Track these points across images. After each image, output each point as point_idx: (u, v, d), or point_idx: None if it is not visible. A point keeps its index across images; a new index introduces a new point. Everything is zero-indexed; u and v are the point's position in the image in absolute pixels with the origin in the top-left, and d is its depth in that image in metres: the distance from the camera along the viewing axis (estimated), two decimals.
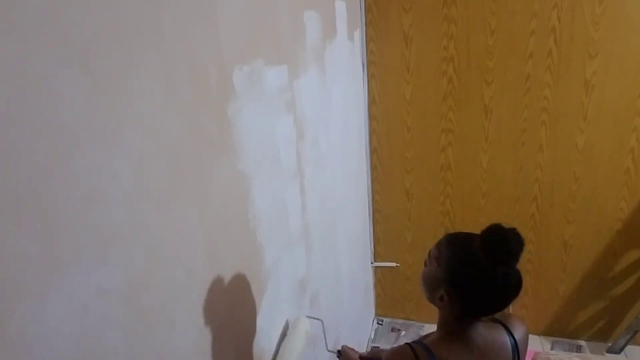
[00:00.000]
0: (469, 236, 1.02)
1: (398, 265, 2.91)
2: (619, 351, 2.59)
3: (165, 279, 0.87)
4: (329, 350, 1.67)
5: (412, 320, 3.04)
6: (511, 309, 2.42)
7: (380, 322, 3.08)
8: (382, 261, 2.95)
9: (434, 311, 1.08)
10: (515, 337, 1.05)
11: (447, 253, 1.02)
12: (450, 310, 1.03)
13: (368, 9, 2.41)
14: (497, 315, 1.07)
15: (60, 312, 0.63)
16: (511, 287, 0.96)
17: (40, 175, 0.60)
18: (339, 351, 1.60)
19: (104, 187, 0.71)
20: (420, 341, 1.06)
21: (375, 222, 2.87)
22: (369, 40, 2.47)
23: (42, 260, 0.61)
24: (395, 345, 1.03)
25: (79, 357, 0.67)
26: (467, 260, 0.98)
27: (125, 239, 0.76)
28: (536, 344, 2.77)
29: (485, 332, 1.03)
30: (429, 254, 1.08)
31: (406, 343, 1.05)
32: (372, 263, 2.95)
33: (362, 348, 2.81)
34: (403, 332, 2.96)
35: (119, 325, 0.75)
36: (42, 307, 0.61)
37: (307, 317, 1.52)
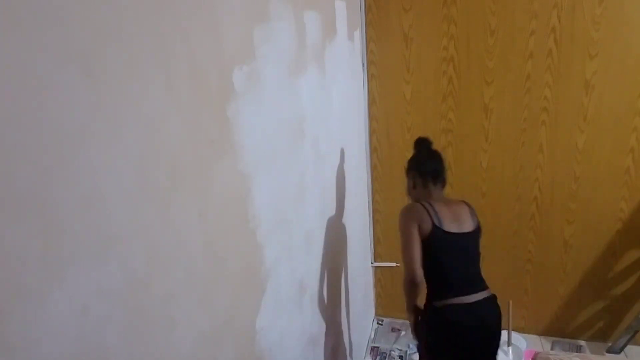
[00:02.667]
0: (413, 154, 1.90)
1: (398, 265, 2.91)
2: (619, 351, 2.59)
3: (165, 279, 0.87)
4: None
5: None
6: (511, 310, 2.42)
7: (380, 322, 3.08)
8: (382, 261, 2.95)
9: None
10: (472, 206, 1.82)
11: (407, 164, 1.88)
12: (419, 185, 1.80)
13: (368, 9, 2.41)
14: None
15: (60, 312, 0.63)
16: (432, 154, 1.84)
17: (40, 175, 0.60)
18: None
19: (104, 187, 0.71)
20: (419, 200, 1.76)
21: (375, 222, 2.87)
22: (369, 40, 2.47)
23: (42, 260, 0.61)
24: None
25: (79, 357, 0.67)
26: (412, 157, 1.88)
27: (125, 239, 0.76)
28: (536, 344, 2.77)
29: (453, 200, 1.82)
30: (407, 178, 1.88)
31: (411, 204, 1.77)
32: (372, 263, 2.95)
33: (362, 348, 2.81)
34: (403, 332, 2.96)
35: (119, 325, 0.75)
36: (42, 307, 0.61)
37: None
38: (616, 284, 2.60)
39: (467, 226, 1.70)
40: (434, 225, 1.64)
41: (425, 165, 1.80)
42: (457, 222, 1.69)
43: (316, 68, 1.68)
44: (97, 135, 0.69)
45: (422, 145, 1.88)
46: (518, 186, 2.54)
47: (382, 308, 3.10)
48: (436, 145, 2.57)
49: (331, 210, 1.98)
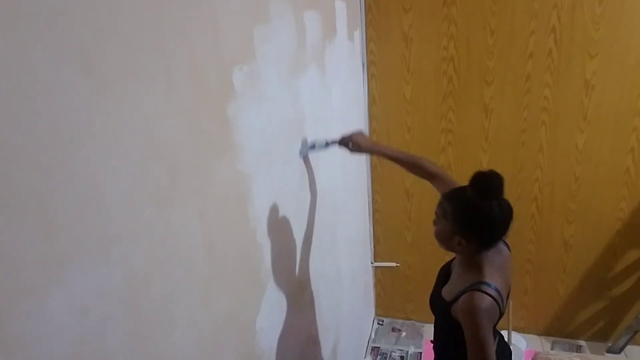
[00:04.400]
0: (460, 188, 1.30)
1: (398, 265, 2.91)
2: (619, 351, 2.59)
3: (165, 279, 0.87)
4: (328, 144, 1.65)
5: (412, 320, 3.04)
6: (511, 310, 2.42)
7: (380, 322, 3.08)
8: (382, 261, 2.95)
9: None
10: (506, 242, 1.42)
11: (451, 208, 1.28)
12: (469, 250, 1.29)
13: (368, 9, 2.41)
14: None
15: (60, 312, 0.63)
16: (507, 214, 1.23)
17: (40, 175, 0.60)
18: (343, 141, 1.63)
19: (104, 187, 0.71)
20: (473, 282, 1.27)
21: (375, 222, 2.87)
22: (369, 40, 2.47)
23: (42, 260, 0.61)
24: (465, 297, 1.27)
25: (79, 357, 0.67)
26: (468, 207, 1.24)
27: (125, 239, 0.76)
28: (536, 344, 2.77)
29: (496, 251, 1.34)
30: (436, 214, 1.34)
31: (473, 290, 1.25)
32: (372, 263, 2.95)
33: (362, 348, 2.81)
34: (403, 333, 2.96)
35: (119, 325, 0.75)
36: (42, 307, 0.61)
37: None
38: (616, 284, 2.60)
39: (510, 281, 1.39)
40: (500, 315, 1.29)
41: (494, 233, 1.25)
42: (507, 286, 1.35)
43: (316, 68, 1.68)
44: (97, 135, 0.69)
45: (494, 191, 1.21)
46: (518, 186, 2.54)
47: (382, 308, 3.10)
48: (436, 145, 2.60)
49: (331, 210, 1.98)
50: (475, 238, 1.25)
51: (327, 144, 1.64)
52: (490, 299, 1.22)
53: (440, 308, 1.38)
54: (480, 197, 1.20)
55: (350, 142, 1.62)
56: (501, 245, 1.38)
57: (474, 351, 1.21)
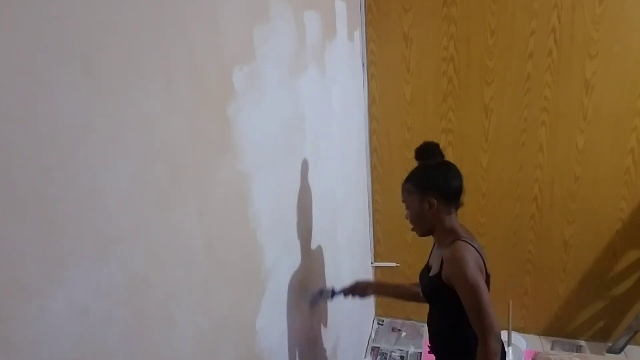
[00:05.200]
0: (414, 169, 1.48)
1: (398, 265, 2.91)
2: (619, 351, 2.59)
3: (165, 279, 0.87)
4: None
5: (412, 320, 3.04)
6: (511, 310, 2.42)
7: (380, 322, 3.08)
8: (382, 261, 2.95)
9: None
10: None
11: (408, 183, 1.46)
12: (439, 212, 1.40)
13: (368, 9, 2.41)
14: None
15: (60, 312, 0.63)
16: (451, 165, 1.43)
17: (40, 175, 0.60)
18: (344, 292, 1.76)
19: (104, 187, 0.71)
20: (457, 239, 1.36)
21: (375, 222, 2.87)
22: (369, 40, 2.47)
23: (42, 260, 0.61)
24: (449, 249, 1.36)
25: (79, 357, 0.67)
26: (422, 171, 1.44)
27: (125, 239, 0.76)
28: (536, 344, 2.77)
29: (462, 224, 1.47)
30: (403, 202, 1.48)
31: (455, 241, 1.35)
32: (372, 263, 2.95)
33: (362, 348, 2.81)
34: (403, 333, 2.96)
35: (119, 325, 0.75)
36: (42, 307, 0.61)
37: None
38: (616, 284, 2.60)
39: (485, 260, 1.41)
40: (486, 273, 1.35)
41: (452, 184, 1.40)
42: (483, 258, 1.39)
43: (316, 68, 1.68)
44: (97, 135, 0.69)
45: (434, 154, 1.44)
46: (518, 186, 2.54)
47: (382, 308, 3.10)
48: None
49: (331, 210, 1.98)
50: (439, 192, 1.39)
51: (333, 294, 1.74)
52: (471, 247, 1.32)
53: (433, 285, 1.42)
54: (423, 159, 1.45)
55: (357, 290, 1.72)
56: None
57: (470, 299, 1.26)
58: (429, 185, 1.40)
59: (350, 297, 1.73)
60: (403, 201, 1.47)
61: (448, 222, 1.41)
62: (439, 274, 1.37)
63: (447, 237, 1.40)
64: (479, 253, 1.34)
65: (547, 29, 2.22)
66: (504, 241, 2.67)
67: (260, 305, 1.29)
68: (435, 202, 1.39)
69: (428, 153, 1.44)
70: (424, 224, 1.44)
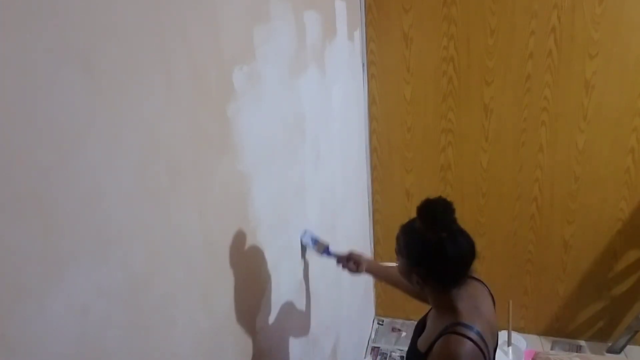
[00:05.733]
0: (412, 219, 1.12)
1: (398, 265, 2.91)
2: (619, 351, 2.59)
3: (165, 279, 0.87)
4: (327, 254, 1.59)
5: (412, 320, 3.04)
6: (511, 310, 2.42)
7: (380, 322, 3.08)
8: (382, 261, 2.94)
9: None
10: (474, 275, 1.20)
11: (403, 242, 1.14)
12: (432, 289, 1.13)
13: (368, 9, 2.41)
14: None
15: (60, 312, 0.63)
16: (464, 249, 1.07)
17: (40, 175, 0.60)
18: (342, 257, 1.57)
19: (104, 187, 0.71)
20: (447, 325, 1.09)
21: (375, 222, 2.87)
22: (369, 40, 2.47)
23: (42, 260, 0.61)
24: (440, 343, 1.08)
25: (79, 357, 0.67)
26: (417, 241, 1.09)
27: (125, 239, 0.76)
28: (536, 344, 2.77)
29: (467, 288, 1.14)
30: (395, 250, 1.18)
31: (448, 334, 1.07)
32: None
33: (362, 348, 2.81)
34: (403, 333, 2.96)
35: (119, 325, 0.75)
36: (42, 307, 0.61)
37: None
38: (616, 284, 2.60)
39: (495, 324, 1.18)
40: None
41: (448, 267, 1.09)
42: (492, 330, 1.15)
43: (316, 68, 1.68)
44: (97, 135, 0.69)
45: (442, 219, 1.07)
46: (518, 186, 2.54)
47: (382, 308, 3.10)
48: (436, 145, 2.60)
49: (331, 210, 1.98)
50: (431, 276, 1.10)
51: (325, 251, 1.58)
52: (470, 343, 1.03)
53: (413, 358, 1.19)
54: (427, 229, 1.06)
55: (348, 262, 1.54)
56: (476, 283, 1.19)
57: None
58: (420, 262, 1.11)
59: (340, 267, 1.56)
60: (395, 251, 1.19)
61: (444, 300, 1.12)
62: (426, 356, 1.11)
63: (444, 314, 1.12)
64: (479, 344, 1.04)
65: (547, 29, 2.22)
66: (504, 241, 2.66)
67: (260, 305, 1.30)
68: (422, 282, 1.11)
69: (434, 218, 1.07)
70: (413, 290, 1.21)
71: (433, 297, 1.16)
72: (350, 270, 1.54)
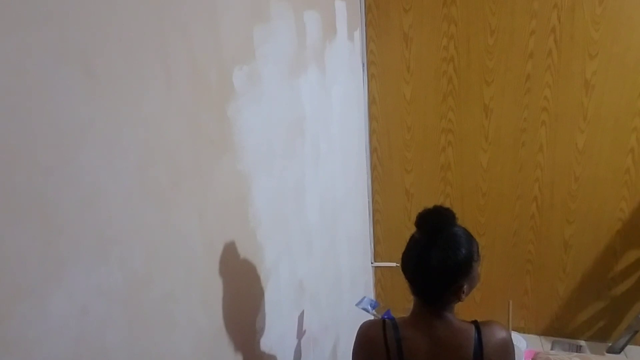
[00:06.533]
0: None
1: (398, 265, 2.90)
2: (619, 351, 2.59)
3: (165, 279, 0.87)
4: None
5: None
6: (511, 310, 2.42)
7: None
8: (382, 261, 2.95)
9: None
10: (484, 340, 1.04)
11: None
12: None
13: (368, 9, 2.41)
14: (479, 320, 1.10)
15: (60, 312, 0.63)
16: (412, 257, 1.07)
17: (40, 175, 0.60)
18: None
19: (104, 187, 0.71)
20: (393, 317, 1.13)
21: (375, 222, 2.86)
22: (369, 40, 2.47)
23: (42, 260, 0.61)
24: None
25: (79, 357, 0.67)
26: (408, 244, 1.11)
27: (125, 239, 0.76)
28: (536, 344, 2.77)
29: (451, 327, 1.06)
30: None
31: (382, 317, 1.11)
32: (372, 263, 2.95)
33: None
34: None
35: (119, 325, 0.75)
36: (42, 307, 0.61)
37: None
38: (616, 284, 2.60)
39: None
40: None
41: (406, 269, 1.11)
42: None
43: (316, 68, 1.68)
44: (97, 135, 0.69)
45: (436, 226, 1.06)
46: (518, 186, 2.54)
47: (382, 308, 3.10)
48: (436, 145, 2.60)
49: (331, 210, 1.98)
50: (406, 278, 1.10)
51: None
52: (382, 336, 1.06)
53: None
54: (418, 231, 1.08)
55: None
56: (458, 337, 1.05)
57: None
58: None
59: None
60: None
61: (414, 303, 1.12)
62: None
63: (411, 312, 1.13)
64: (397, 349, 1.04)
65: (547, 29, 2.22)
66: (504, 241, 2.66)
67: (260, 305, 1.29)
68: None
69: (428, 225, 1.07)
70: None
71: (414, 304, 1.13)
72: None
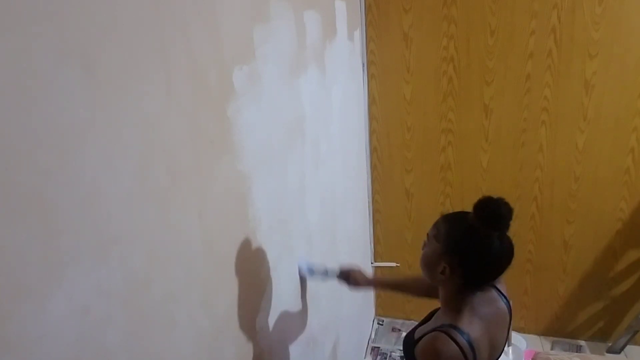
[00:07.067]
0: (462, 212, 1.13)
1: (398, 265, 2.91)
2: (619, 351, 2.59)
3: (165, 279, 0.87)
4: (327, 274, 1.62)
5: (412, 320, 3.04)
6: (511, 306, 2.42)
7: (380, 322, 3.08)
8: (382, 261, 2.95)
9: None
10: (504, 294, 1.19)
11: (445, 228, 1.12)
12: (452, 284, 1.12)
13: (368, 9, 2.41)
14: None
15: (60, 312, 0.63)
16: (506, 251, 1.08)
17: (40, 175, 0.60)
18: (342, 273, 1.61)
19: (104, 187, 0.71)
20: (444, 324, 1.11)
21: (375, 222, 2.87)
22: (369, 40, 2.47)
23: (42, 260, 0.61)
24: (428, 337, 1.11)
25: (79, 357, 0.67)
26: (465, 230, 1.09)
27: (125, 239, 0.76)
28: (536, 344, 2.77)
29: (487, 301, 1.15)
30: (427, 235, 1.17)
31: (434, 330, 1.10)
32: (372, 263, 2.95)
33: (362, 348, 2.81)
34: (403, 333, 2.96)
35: (119, 325, 0.75)
36: (42, 307, 0.61)
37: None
38: (616, 284, 2.60)
39: (500, 345, 1.17)
40: None
41: (483, 267, 1.09)
42: (492, 348, 1.13)
43: (316, 68, 1.68)
44: (97, 135, 0.69)
45: (495, 220, 1.07)
46: (518, 186, 2.54)
47: (382, 308, 3.10)
48: (436, 145, 2.60)
49: (331, 210, 1.98)
50: (463, 268, 1.09)
51: (326, 273, 1.61)
52: (456, 347, 1.03)
53: (408, 347, 1.21)
54: (481, 224, 1.06)
55: (349, 278, 1.57)
56: (496, 298, 1.17)
57: None
58: (458, 251, 1.09)
59: (339, 280, 1.60)
60: (427, 234, 1.18)
61: (456, 299, 1.12)
62: (416, 344, 1.14)
63: (448, 313, 1.14)
64: (467, 352, 1.04)
65: (547, 29, 2.22)
66: None
67: (260, 305, 1.29)
68: (450, 272, 1.10)
69: (494, 216, 1.07)
70: (430, 277, 1.16)
71: (447, 292, 1.15)
72: (348, 285, 1.59)
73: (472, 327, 1.08)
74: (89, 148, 0.68)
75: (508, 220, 1.07)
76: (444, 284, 1.14)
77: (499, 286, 1.20)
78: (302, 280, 1.63)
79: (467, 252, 1.08)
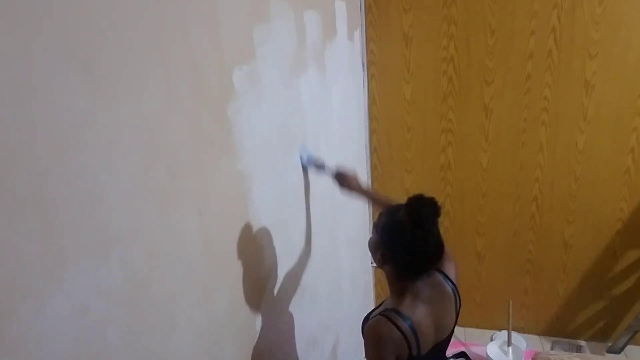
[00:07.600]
0: (399, 206, 1.16)
1: None
2: (619, 351, 2.59)
3: (165, 279, 0.87)
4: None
5: None
6: (511, 310, 2.42)
7: None
8: None
9: None
10: (451, 278, 1.25)
11: (380, 221, 1.18)
12: (390, 271, 1.19)
13: (368, 9, 2.41)
14: None
15: (60, 312, 0.63)
16: (429, 248, 1.12)
17: (40, 175, 0.60)
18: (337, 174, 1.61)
19: (104, 187, 0.71)
20: (387, 308, 1.17)
21: None
22: (369, 40, 2.47)
23: (42, 260, 0.61)
24: (371, 321, 1.19)
25: (79, 357, 0.67)
26: (392, 225, 1.14)
27: (125, 239, 0.76)
28: (536, 344, 2.77)
29: (431, 285, 1.21)
30: (373, 224, 1.22)
31: (379, 314, 1.16)
32: (372, 263, 2.95)
33: (362, 348, 2.80)
34: None
35: (119, 325, 0.75)
36: (42, 307, 0.61)
37: None
38: (616, 284, 2.60)
39: (448, 326, 1.23)
40: (410, 356, 1.13)
41: (408, 263, 1.15)
42: (438, 330, 1.20)
43: (316, 68, 1.68)
44: (97, 136, 0.69)
45: (419, 220, 1.10)
46: (518, 186, 2.54)
47: None
48: (436, 145, 2.60)
49: (331, 210, 1.98)
50: (392, 260, 1.16)
51: (323, 167, 1.61)
52: (397, 331, 1.10)
53: (362, 329, 1.26)
54: (407, 222, 1.10)
55: (343, 180, 1.58)
56: (441, 282, 1.22)
57: None
58: (387, 244, 1.16)
59: (333, 180, 1.60)
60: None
61: (397, 285, 1.19)
62: (363, 326, 1.23)
63: (393, 297, 1.20)
64: (408, 335, 1.10)
65: (547, 29, 2.22)
66: (504, 241, 2.66)
67: (260, 305, 1.29)
68: (382, 261, 1.18)
69: (419, 215, 1.10)
70: (375, 262, 1.22)
71: (389, 278, 1.21)
72: (341, 186, 1.58)
73: (414, 310, 1.14)
74: (89, 148, 0.68)
75: (432, 220, 1.11)
76: (384, 270, 1.21)
77: (445, 270, 1.25)
78: (305, 172, 1.61)
79: (392, 247, 1.15)
